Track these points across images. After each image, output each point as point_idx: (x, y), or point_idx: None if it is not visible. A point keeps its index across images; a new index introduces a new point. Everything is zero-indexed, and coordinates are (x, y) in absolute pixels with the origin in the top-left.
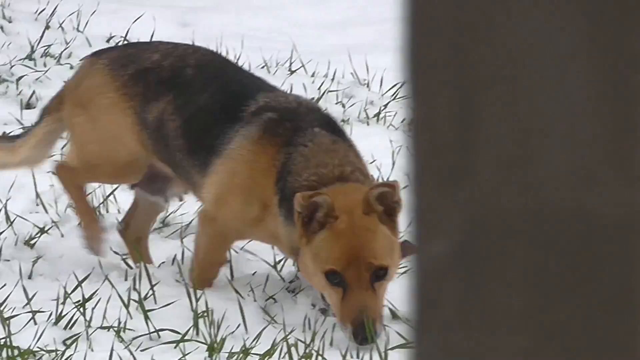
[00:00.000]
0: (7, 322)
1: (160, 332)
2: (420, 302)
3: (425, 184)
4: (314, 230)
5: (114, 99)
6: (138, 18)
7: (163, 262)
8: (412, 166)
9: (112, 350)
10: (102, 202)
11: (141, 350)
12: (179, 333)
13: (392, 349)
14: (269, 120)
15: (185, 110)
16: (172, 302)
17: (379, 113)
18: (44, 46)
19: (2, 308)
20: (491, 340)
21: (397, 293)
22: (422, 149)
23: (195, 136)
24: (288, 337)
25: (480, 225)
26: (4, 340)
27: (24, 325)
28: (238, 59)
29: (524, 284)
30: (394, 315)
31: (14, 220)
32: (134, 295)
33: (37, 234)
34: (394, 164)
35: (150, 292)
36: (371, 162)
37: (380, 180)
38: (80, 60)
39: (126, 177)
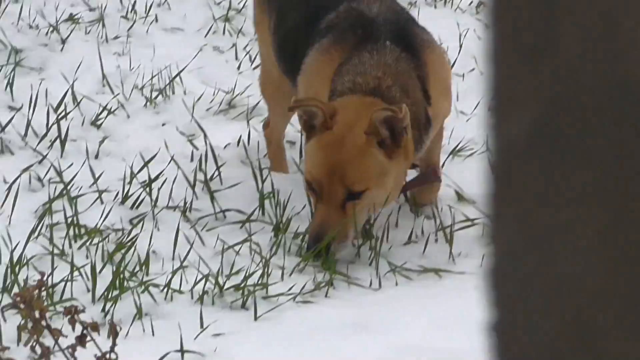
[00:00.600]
0: (74, 201)
1: (226, 213)
2: (498, 179)
3: (505, 61)
4: (309, 136)
5: (259, 15)
6: None
7: (229, 144)
8: (492, 43)
9: (177, 229)
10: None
11: (207, 230)
12: (244, 213)
13: (457, 230)
14: (341, 30)
15: (280, 30)
16: (238, 184)
17: None
18: None
19: (69, 187)
20: (570, 215)
21: (463, 175)
22: (504, 25)
23: (287, 58)
24: None
25: (562, 101)
26: (71, 218)
27: (91, 205)
28: None
29: (605, 160)
30: (460, 197)
31: (81, 100)
32: (200, 176)
33: (103, 114)
34: (460, 47)
35: (216, 173)
36: None
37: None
38: None
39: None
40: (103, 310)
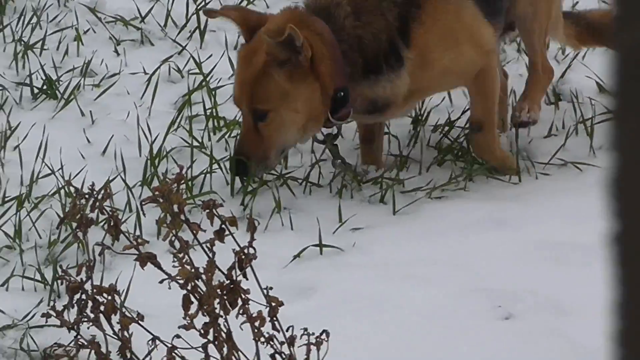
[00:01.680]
0: (214, 92)
1: None
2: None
3: None
4: None
5: None
6: None
7: None
8: None
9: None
10: None
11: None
12: None
13: (598, 122)
14: None
15: None
16: None
17: None
18: None
19: (208, 79)
20: None
21: (605, 66)
22: None
23: None
24: None
25: None
26: (210, 110)
27: (229, 97)
28: None
29: None
30: (601, 88)
31: None
32: None
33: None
34: None
35: None
36: None
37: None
38: None
39: None
40: (242, 204)
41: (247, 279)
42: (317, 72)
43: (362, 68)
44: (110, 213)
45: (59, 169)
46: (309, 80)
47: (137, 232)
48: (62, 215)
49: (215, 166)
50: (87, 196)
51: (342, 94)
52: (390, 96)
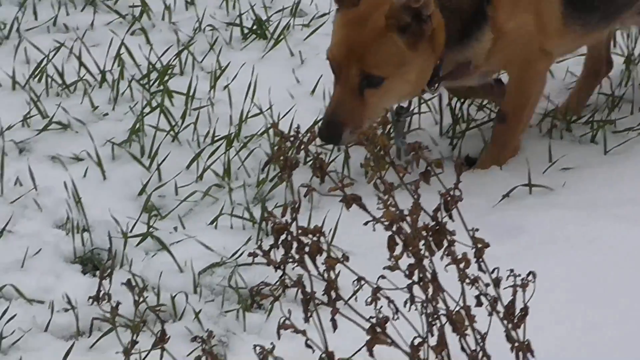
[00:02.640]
0: None
1: None
2: None
3: None
4: (338, 9)
5: None
6: None
7: None
8: None
9: None
10: None
11: None
12: None
13: None
14: None
15: None
16: None
17: None
18: None
19: None
20: None
21: None
22: None
23: None
24: None
25: None
26: None
27: None
28: None
29: None
30: None
31: None
32: None
33: None
34: None
35: None
36: None
37: None
38: None
39: None
40: (451, 144)
41: (452, 220)
42: (434, 43)
43: (458, 34)
44: (316, 155)
45: (267, 109)
46: (428, 51)
47: (345, 172)
48: (270, 155)
49: (424, 107)
50: (292, 139)
51: (438, 62)
52: (474, 56)
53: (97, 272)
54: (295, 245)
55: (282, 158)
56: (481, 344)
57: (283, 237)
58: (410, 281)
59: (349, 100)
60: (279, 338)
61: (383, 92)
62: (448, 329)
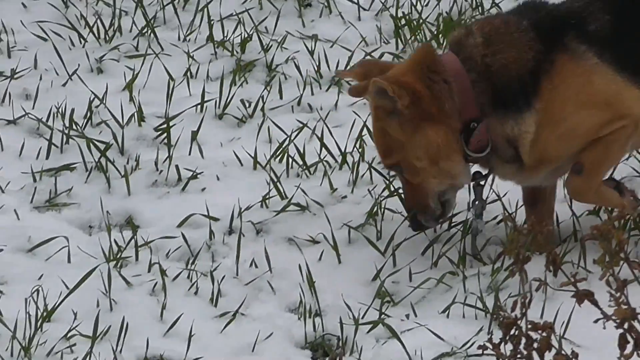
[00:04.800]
0: None
1: None
2: None
3: None
4: None
5: None
6: None
7: None
8: None
9: None
10: None
11: None
12: None
13: None
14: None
15: None
16: None
17: None
18: None
19: None
20: None
21: None
22: None
23: None
24: None
25: None
26: None
27: None
28: None
29: None
30: None
31: None
32: None
33: None
34: None
35: None
36: None
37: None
38: None
39: None
40: None
41: None
42: (431, 114)
43: (491, 98)
44: (549, 250)
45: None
46: (422, 125)
47: (582, 263)
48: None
49: None
50: (525, 232)
51: (475, 124)
52: (518, 139)
53: (327, 359)
54: (523, 340)
55: (514, 250)
56: None
57: (512, 332)
58: None
59: (405, 188)
60: None
61: (410, 176)
62: None
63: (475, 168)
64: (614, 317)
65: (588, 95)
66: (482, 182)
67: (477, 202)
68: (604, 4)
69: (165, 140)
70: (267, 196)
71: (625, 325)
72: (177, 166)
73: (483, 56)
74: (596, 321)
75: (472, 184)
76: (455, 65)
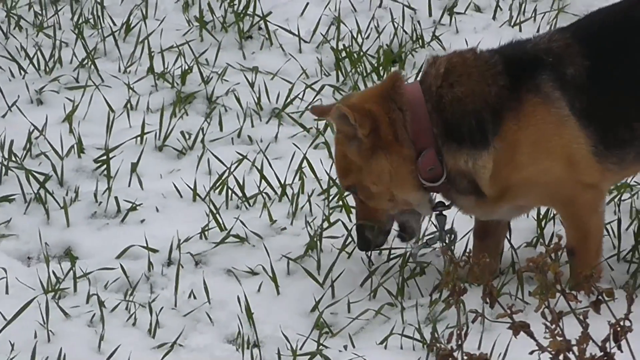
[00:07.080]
0: None
1: None
2: None
3: None
4: None
5: None
6: None
7: None
8: None
9: None
10: None
11: None
12: None
13: None
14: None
15: None
16: None
17: None
18: None
19: None
20: None
21: None
22: None
23: None
24: None
25: None
26: None
27: None
28: None
29: None
30: None
31: None
32: None
33: None
34: None
35: None
36: None
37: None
38: None
39: None
40: (627, 271)
41: (621, 352)
42: (387, 142)
43: (443, 130)
44: (486, 282)
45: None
46: (378, 153)
47: (519, 294)
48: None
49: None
50: (461, 264)
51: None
52: (474, 174)
53: None
54: None
55: (450, 283)
56: None
57: None
58: None
59: (357, 206)
60: None
61: (365, 198)
62: None
63: (439, 197)
64: (549, 349)
65: (556, 147)
66: (444, 212)
67: (445, 232)
68: (582, 47)
69: (105, 172)
70: (207, 228)
71: (560, 357)
72: (116, 198)
73: (438, 87)
74: (532, 352)
75: (434, 213)
76: (415, 95)
